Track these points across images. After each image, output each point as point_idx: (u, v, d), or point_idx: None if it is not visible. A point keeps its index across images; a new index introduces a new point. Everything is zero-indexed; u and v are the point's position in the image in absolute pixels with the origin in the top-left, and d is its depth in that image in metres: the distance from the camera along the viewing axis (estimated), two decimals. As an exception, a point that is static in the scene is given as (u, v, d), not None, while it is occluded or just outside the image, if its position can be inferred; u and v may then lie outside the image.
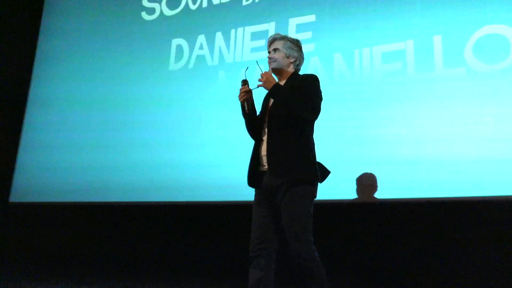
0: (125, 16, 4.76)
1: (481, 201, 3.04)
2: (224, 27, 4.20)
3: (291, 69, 2.33)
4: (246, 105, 2.25)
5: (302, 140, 2.17)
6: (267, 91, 2.25)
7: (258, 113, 2.35)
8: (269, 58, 2.32)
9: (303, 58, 2.39)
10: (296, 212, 2.07)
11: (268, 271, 2.13)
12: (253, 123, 2.30)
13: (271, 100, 2.28)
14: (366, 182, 3.25)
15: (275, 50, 2.31)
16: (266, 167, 2.18)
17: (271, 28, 3.97)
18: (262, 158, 2.22)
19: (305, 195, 2.10)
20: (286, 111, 2.15)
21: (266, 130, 2.23)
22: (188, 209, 4.02)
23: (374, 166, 3.27)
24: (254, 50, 3.99)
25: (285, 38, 2.33)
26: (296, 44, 2.35)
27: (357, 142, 3.38)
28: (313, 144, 2.23)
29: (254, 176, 2.23)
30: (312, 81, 2.23)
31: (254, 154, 2.26)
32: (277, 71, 2.32)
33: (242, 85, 2.26)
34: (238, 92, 2.26)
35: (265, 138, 2.23)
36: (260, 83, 2.21)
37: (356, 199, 3.29)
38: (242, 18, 4.14)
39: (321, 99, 2.22)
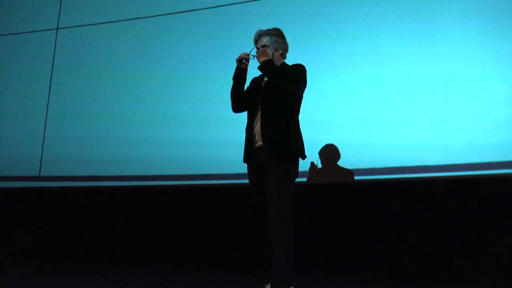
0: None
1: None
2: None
3: (280, 60, 2.51)
4: (239, 68, 2.43)
5: (292, 119, 2.39)
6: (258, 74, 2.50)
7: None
8: (256, 52, 2.45)
9: (287, 45, 2.54)
10: (281, 188, 2.26)
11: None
12: (239, 91, 2.49)
13: (264, 81, 2.47)
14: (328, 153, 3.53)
15: (263, 46, 2.45)
16: (258, 144, 2.38)
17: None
18: (255, 136, 2.41)
19: (289, 173, 2.31)
20: (278, 91, 2.34)
21: (259, 109, 2.41)
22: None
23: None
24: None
25: (270, 32, 2.48)
26: (280, 34, 2.52)
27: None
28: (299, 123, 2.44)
29: (249, 152, 2.43)
30: (300, 68, 2.42)
31: (248, 132, 2.46)
32: None
33: (248, 54, 2.45)
34: None
35: (258, 116, 2.41)
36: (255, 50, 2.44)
37: (320, 169, 3.51)
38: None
39: (305, 84, 2.41)
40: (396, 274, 3.21)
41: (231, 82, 2.52)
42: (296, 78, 2.35)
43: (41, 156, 4.80)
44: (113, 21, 4.82)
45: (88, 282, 2.96)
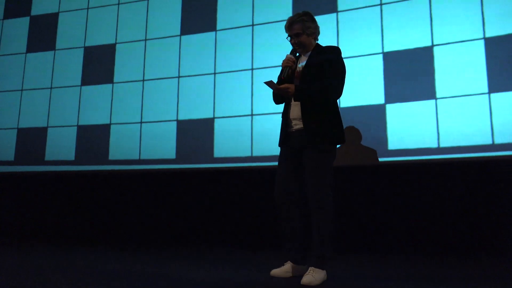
0: None
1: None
2: None
3: (313, 42, 2.54)
4: (285, 71, 2.44)
5: (330, 103, 2.41)
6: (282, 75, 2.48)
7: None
8: (294, 44, 2.50)
9: (319, 27, 2.55)
10: (320, 169, 2.32)
11: (297, 218, 2.43)
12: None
13: (299, 66, 2.49)
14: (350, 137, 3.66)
15: (297, 35, 2.47)
16: (294, 128, 2.43)
17: None
18: (291, 120, 2.45)
19: (328, 155, 2.36)
20: (314, 76, 2.38)
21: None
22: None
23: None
24: None
25: (301, 19, 2.47)
26: (311, 19, 2.51)
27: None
28: (337, 107, 2.46)
29: (285, 136, 2.47)
30: (334, 55, 2.43)
31: (284, 116, 2.50)
32: (303, 48, 2.51)
33: (291, 53, 2.49)
34: None
35: (294, 102, 2.43)
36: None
37: (344, 150, 3.61)
38: None
39: (344, 73, 2.45)
40: (408, 252, 3.40)
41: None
42: (334, 83, 2.38)
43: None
44: None
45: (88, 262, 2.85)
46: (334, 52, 2.45)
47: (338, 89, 2.42)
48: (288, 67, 2.44)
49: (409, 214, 3.51)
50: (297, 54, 2.56)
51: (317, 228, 2.31)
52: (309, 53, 2.51)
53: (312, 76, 2.41)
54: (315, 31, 2.53)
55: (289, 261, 2.46)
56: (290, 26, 2.48)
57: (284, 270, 2.43)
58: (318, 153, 2.34)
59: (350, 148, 3.68)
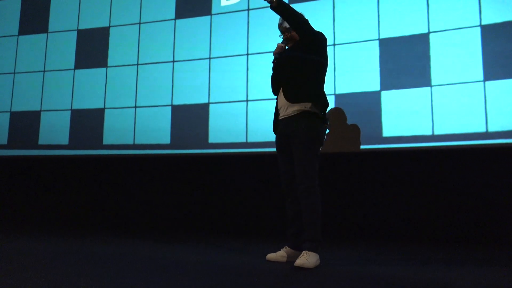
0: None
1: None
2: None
3: None
4: (275, 58, 2.60)
5: (314, 85, 2.50)
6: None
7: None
8: (287, 38, 2.62)
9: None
10: (306, 154, 2.40)
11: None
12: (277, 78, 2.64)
13: (283, 56, 2.61)
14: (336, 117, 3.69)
15: (288, 29, 2.59)
16: (281, 115, 2.53)
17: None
18: (279, 108, 2.56)
19: (314, 139, 2.43)
20: (296, 61, 2.51)
21: (281, 84, 2.57)
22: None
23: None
24: None
25: None
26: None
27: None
28: (323, 91, 2.55)
29: (276, 123, 2.60)
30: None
31: (276, 105, 2.63)
32: (293, 42, 2.63)
33: (282, 42, 2.62)
34: None
35: (280, 90, 2.56)
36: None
37: (330, 133, 3.64)
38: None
39: (317, 35, 2.55)
40: (386, 238, 3.45)
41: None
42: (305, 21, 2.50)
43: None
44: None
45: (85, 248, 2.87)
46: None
47: (308, 26, 2.49)
48: (279, 54, 2.58)
49: (402, 201, 3.54)
50: (287, 48, 2.66)
51: (308, 212, 2.37)
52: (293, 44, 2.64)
53: (294, 56, 2.54)
54: None
55: (286, 246, 2.52)
56: (282, 22, 2.61)
57: (280, 254, 2.50)
58: (302, 138, 2.42)
59: (336, 129, 3.70)
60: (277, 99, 2.62)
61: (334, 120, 3.67)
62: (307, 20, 2.50)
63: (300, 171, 2.40)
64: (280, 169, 2.59)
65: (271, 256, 2.50)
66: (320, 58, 2.54)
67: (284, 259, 2.46)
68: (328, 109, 2.63)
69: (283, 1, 2.46)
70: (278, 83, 2.62)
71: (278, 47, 2.61)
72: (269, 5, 2.44)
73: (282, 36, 2.64)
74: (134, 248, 2.93)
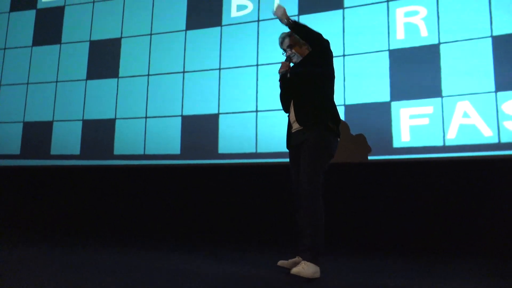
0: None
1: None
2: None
3: (307, 50, 2.67)
4: (281, 77, 2.66)
5: (323, 99, 2.52)
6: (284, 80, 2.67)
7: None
8: (288, 56, 2.67)
9: None
10: (310, 166, 2.39)
11: None
12: (286, 95, 2.68)
13: (290, 71, 2.64)
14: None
15: (289, 46, 2.66)
16: (293, 129, 2.57)
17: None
18: (291, 123, 2.61)
19: (320, 152, 2.42)
20: (305, 76, 2.53)
21: (292, 99, 2.59)
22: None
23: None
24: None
25: (291, 34, 2.67)
26: None
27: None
28: (334, 103, 2.59)
29: (289, 137, 2.64)
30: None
31: (288, 120, 2.67)
32: (300, 58, 2.67)
33: (286, 61, 2.69)
34: None
35: (292, 104, 2.59)
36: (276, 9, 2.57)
37: None
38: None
39: (329, 53, 2.60)
40: (397, 251, 3.42)
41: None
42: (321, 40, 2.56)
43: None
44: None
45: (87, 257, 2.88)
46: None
47: (319, 36, 2.55)
48: (284, 71, 2.64)
49: (411, 212, 3.50)
50: (292, 65, 2.71)
51: (309, 221, 2.35)
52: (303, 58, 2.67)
53: (303, 71, 2.56)
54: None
55: (298, 256, 2.50)
56: (283, 41, 2.69)
57: (292, 261, 2.50)
58: (308, 150, 2.42)
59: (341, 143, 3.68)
60: (289, 113, 2.66)
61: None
62: (320, 35, 2.56)
63: (304, 180, 2.39)
64: (292, 181, 2.61)
65: (282, 262, 2.52)
66: (328, 71, 2.57)
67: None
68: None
69: (299, 23, 2.58)
70: (287, 101, 2.66)
71: (283, 65, 2.67)
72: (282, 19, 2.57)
73: (284, 54, 2.70)
74: (146, 258, 2.93)
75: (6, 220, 4.78)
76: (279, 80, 2.70)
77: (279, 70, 2.68)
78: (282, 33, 2.72)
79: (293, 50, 2.65)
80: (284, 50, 2.70)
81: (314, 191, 2.37)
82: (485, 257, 3.13)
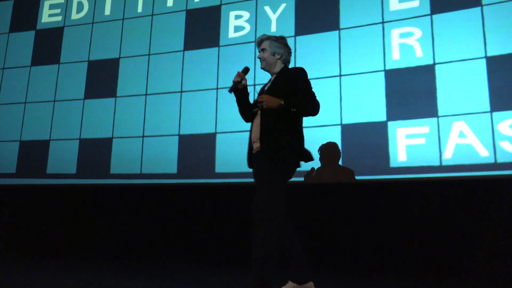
0: None
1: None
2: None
3: (279, 64, 2.57)
4: (233, 86, 2.52)
5: (292, 124, 2.38)
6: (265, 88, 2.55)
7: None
8: (259, 58, 2.58)
9: (289, 53, 2.61)
10: (265, 188, 2.28)
11: (288, 233, 2.38)
12: (245, 107, 2.60)
13: (265, 89, 2.53)
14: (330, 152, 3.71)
15: (263, 50, 2.56)
16: (255, 148, 2.43)
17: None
18: (253, 142, 2.46)
19: (275, 174, 2.30)
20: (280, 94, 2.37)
21: (259, 117, 2.43)
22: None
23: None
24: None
25: (270, 37, 2.57)
26: (281, 41, 2.58)
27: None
28: (301, 129, 2.46)
29: (250, 157, 2.50)
30: (301, 74, 2.46)
31: (249, 138, 2.52)
32: (267, 68, 2.59)
33: (242, 71, 2.56)
34: None
35: (256, 121, 2.45)
36: (262, 103, 2.34)
37: (319, 167, 3.69)
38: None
39: (311, 89, 2.45)
40: (396, 272, 3.37)
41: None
42: (312, 99, 2.41)
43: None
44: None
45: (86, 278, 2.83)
46: (300, 72, 2.48)
47: (316, 107, 2.41)
48: (236, 83, 2.52)
49: (409, 234, 3.48)
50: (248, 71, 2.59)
51: (259, 246, 2.22)
52: (274, 76, 2.56)
53: (275, 94, 2.37)
54: (283, 55, 2.57)
55: (289, 281, 2.44)
56: (261, 41, 2.59)
57: None
58: (263, 171, 2.32)
59: (328, 165, 3.71)
60: (250, 129, 2.52)
61: (327, 155, 3.69)
62: (314, 101, 2.42)
63: (261, 199, 2.28)
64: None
65: None
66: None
67: None
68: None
69: (292, 101, 2.34)
70: (247, 115, 2.59)
71: (237, 75, 2.54)
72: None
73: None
74: (138, 279, 2.89)
75: (1, 239, 4.72)
76: (230, 91, 2.54)
77: (231, 88, 2.54)
78: (263, 35, 2.60)
79: (264, 55, 2.54)
80: (259, 51, 2.59)
81: (274, 218, 2.24)
82: (482, 278, 3.09)
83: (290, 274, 2.45)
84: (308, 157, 2.44)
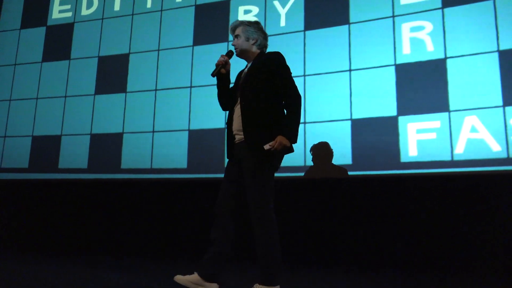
0: None
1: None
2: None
3: (255, 50, 2.52)
4: (216, 70, 2.45)
5: (275, 108, 2.34)
6: (243, 68, 2.55)
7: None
8: (233, 44, 2.52)
9: (264, 38, 2.56)
10: (257, 182, 2.26)
11: (227, 230, 2.39)
12: (225, 92, 2.54)
13: (243, 75, 2.49)
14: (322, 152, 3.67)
15: (236, 36, 2.51)
16: (237, 139, 2.39)
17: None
18: (234, 133, 2.42)
19: (264, 166, 2.27)
20: (257, 83, 2.35)
21: (238, 105, 2.40)
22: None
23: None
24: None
25: (243, 22, 2.53)
26: (255, 25, 2.54)
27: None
28: (284, 120, 2.34)
29: (230, 149, 2.45)
30: (278, 59, 2.42)
31: (228, 128, 2.48)
32: (243, 54, 2.52)
33: (226, 54, 2.50)
34: None
35: (237, 112, 2.41)
36: (270, 147, 2.25)
37: (312, 166, 3.69)
38: None
39: (291, 75, 2.41)
40: (389, 267, 3.39)
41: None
42: (293, 90, 2.36)
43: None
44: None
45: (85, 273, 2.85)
46: (277, 57, 2.43)
47: (299, 98, 2.36)
48: (220, 66, 2.45)
49: (420, 228, 3.47)
50: (232, 56, 2.55)
51: (260, 242, 2.25)
52: (251, 63, 2.51)
53: (254, 82, 2.37)
54: (258, 39, 2.52)
55: (195, 272, 2.34)
56: (234, 28, 2.53)
57: (189, 279, 2.31)
58: (252, 164, 2.28)
59: (321, 165, 3.69)
60: (229, 120, 2.48)
61: (320, 155, 3.67)
62: (298, 103, 2.35)
63: (254, 196, 2.27)
64: (220, 191, 2.46)
65: (179, 278, 2.31)
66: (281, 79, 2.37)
67: (195, 287, 2.29)
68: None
69: (291, 130, 2.29)
70: (226, 102, 2.53)
71: (221, 59, 2.48)
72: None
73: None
74: (150, 274, 2.91)
75: (14, 233, 4.78)
76: (213, 75, 2.47)
77: (217, 62, 2.48)
78: (236, 21, 2.55)
79: (238, 41, 2.49)
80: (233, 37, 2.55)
81: (270, 213, 2.26)
82: (494, 273, 3.07)
83: (201, 266, 2.36)
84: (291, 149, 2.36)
